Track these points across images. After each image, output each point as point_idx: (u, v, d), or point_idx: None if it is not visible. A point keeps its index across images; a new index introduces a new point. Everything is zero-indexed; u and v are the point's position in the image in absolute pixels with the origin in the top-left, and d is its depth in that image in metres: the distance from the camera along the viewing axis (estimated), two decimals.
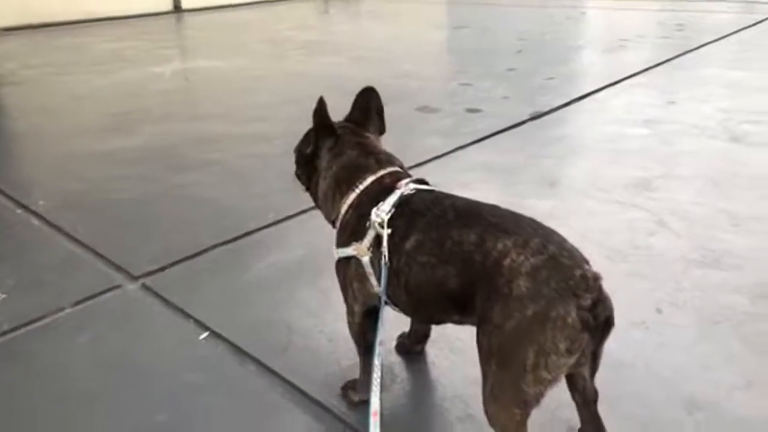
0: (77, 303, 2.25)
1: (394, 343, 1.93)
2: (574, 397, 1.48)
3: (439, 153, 3.60)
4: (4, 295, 2.32)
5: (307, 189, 1.79)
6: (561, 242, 1.32)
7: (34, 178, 3.53)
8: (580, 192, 3.03)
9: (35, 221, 2.92)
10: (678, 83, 5.08)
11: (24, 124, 4.64)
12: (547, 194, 2.99)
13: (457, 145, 3.71)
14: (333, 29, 9.15)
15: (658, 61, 5.78)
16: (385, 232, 1.47)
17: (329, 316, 2.09)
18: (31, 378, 1.89)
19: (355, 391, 1.72)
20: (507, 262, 1.28)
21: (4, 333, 2.09)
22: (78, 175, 3.46)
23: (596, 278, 1.26)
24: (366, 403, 1.68)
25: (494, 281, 1.28)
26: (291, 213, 2.84)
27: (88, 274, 2.45)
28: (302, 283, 2.33)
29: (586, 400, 1.46)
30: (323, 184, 1.69)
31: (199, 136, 4.10)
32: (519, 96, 4.79)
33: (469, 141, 3.79)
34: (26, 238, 2.78)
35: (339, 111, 1.76)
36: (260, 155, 3.65)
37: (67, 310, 2.22)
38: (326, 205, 1.70)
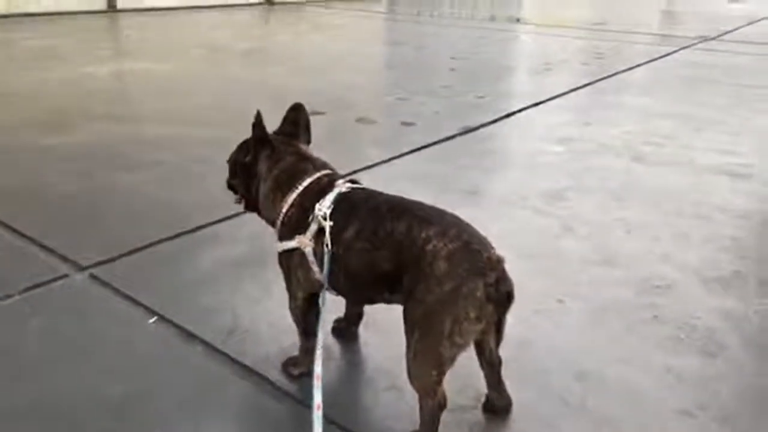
0: (25, 290, 2.34)
1: (330, 326, 2.15)
2: (482, 365, 1.75)
3: (375, 162, 3.85)
4: None
5: (242, 196, 1.97)
6: (473, 232, 1.59)
7: None
8: (500, 200, 3.37)
9: None
10: (593, 106, 5.59)
11: None
12: (471, 201, 3.31)
13: (392, 155, 3.98)
14: (272, 38, 9.30)
15: (578, 85, 6.30)
16: (328, 224, 1.69)
17: (271, 303, 2.29)
18: None
19: (295, 366, 1.93)
20: (429, 247, 1.54)
21: None
22: (15, 170, 3.49)
23: (499, 260, 1.54)
24: (304, 376, 1.91)
25: (419, 263, 1.54)
26: (233, 212, 2.99)
27: (33, 265, 2.53)
28: (246, 276, 2.51)
29: (491, 365, 1.74)
30: (264, 187, 1.89)
31: (138, 136, 4.18)
32: (451, 112, 5.14)
33: (403, 152, 4.07)
34: None
35: (277, 120, 1.97)
36: (201, 157, 3.78)
37: (16, 297, 2.30)
38: (267, 205, 1.90)
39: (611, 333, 2.22)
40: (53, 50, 6.78)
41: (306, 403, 1.77)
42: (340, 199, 1.74)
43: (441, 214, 1.64)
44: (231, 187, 2.01)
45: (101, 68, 6.12)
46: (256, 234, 2.76)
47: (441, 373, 1.56)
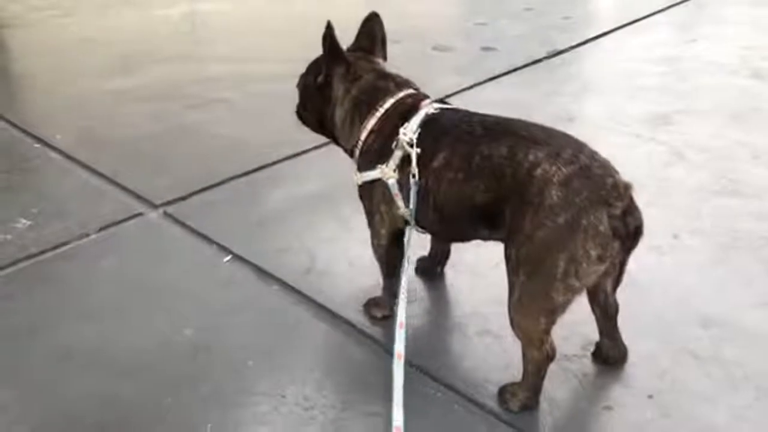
0: (102, 229, 2.29)
1: (414, 266, 1.95)
2: (594, 311, 1.51)
3: (455, 90, 3.55)
4: (29, 222, 2.36)
5: (316, 125, 1.77)
6: (592, 153, 1.32)
7: (47, 114, 3.52)
8: (599, 126, 3.01)
9: (54, 154, 2.93)
10: (699, 22, 4.96)
11: (32, 64, 4.57)
12: (566, 128, 2.94)
13: (473, 83, 3.67)
14: None
15: (679, 0, 5.62)
16: (414, 151, 1.46)
17: (349, 242, 2.12)
18: (60, 297, 1.95)
19: (378, 308, 1.77)
20: (538, 172, 1.29)
21: (32, 256, 2.14)
22: (90, 112, 3.46)
23: (627, 187, 1.27)
24: (387, 319, 1.74)
25: (525, 192, 1.29)
26: (306, 147, 2.82)
27: (109, 203, 2.48)
28: (321, 213, 2.35)
29: (606, 313, 1.49)
30: (340, 111, 1.67)
31: (209, 75, 4.05)
32: (535, 35, 4.69)
33: (484, 78, 3.74)
34: (46, 170, 2.80)
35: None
36: (272, 93, 3.61)
37: (92, 236, 2.26)
38: (344, 131, 1.68)
39: (742, 273, 1.91)
40: None
41: (390, 348, 1.61)
42: (428, 121, 1.50)
43: (550, 133, 1.38)
44: (302, 117, 1.80)
45: (172, 10, 6.03)
46: (328, 170, 2.59)
47: (551, 321, 1.34)
